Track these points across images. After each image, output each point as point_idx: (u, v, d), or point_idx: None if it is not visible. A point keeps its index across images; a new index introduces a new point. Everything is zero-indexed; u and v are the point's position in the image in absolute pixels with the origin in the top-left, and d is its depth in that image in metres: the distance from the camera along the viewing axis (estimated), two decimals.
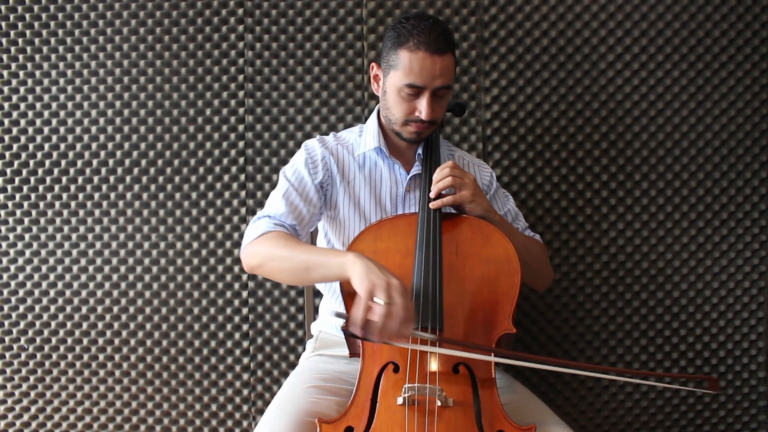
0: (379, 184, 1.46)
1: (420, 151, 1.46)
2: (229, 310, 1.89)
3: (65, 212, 1.87)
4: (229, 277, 1.88)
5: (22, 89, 1.85)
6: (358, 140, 1.50)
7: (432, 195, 1.34)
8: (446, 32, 1.34)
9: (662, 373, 1.25)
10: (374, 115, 1.50)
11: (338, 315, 1.13)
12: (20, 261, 1.87)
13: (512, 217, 1.55)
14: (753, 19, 1.89)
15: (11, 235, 1.87)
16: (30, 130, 1.86)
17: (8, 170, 1.86)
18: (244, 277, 1.88)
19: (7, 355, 1.88)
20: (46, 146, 1.86)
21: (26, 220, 1.87)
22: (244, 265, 1.38)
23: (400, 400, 1.11)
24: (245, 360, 1.90)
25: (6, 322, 1.88)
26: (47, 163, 1.86)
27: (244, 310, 1.89)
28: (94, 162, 1.86)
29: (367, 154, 1.47)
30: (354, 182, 1.46)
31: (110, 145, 1.86)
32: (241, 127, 1.87)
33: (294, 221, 1.38)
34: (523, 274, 1.29)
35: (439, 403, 1.10)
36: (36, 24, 1.84)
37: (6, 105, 1.85)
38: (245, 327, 1.89)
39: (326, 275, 1.24)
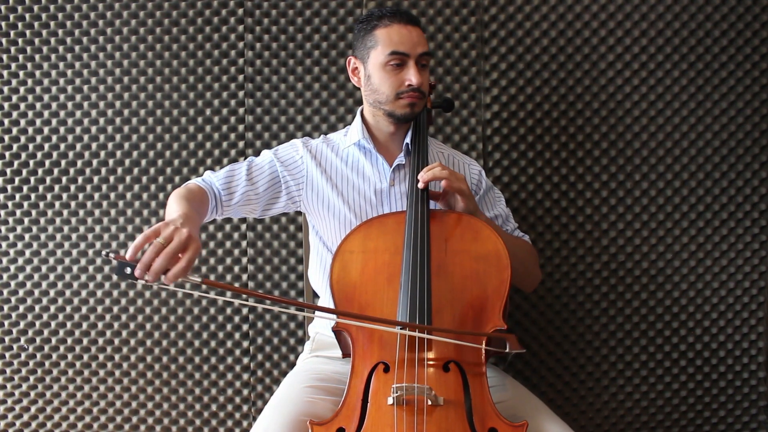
0: (363, 180, 1.47)
1: (408, 140, 1.47)
2: (229, 310, 1.89)
3: (65, 212, 1.87)
4: (229, 277, 1.88)
5: (22, 89, 1.85)
6: (343, 139, 1.53)
7: (420, 175, 1.33)
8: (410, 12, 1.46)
9: (459, 331, 1.23)
10: (357, 113, 1.54)
11: (109, 252, 1.07)
12: (20, 261, 1.87)
13: (503, 220, 1.55)
14: (753, 19, 1.88)
15: (11, 235, 1.87)
16: (30, 130, 1.86)
17: (8, 170, 1.86)
18: (244, 277, 1.88)
19: (7, 355, 1.88)
20: (46, 146, 1.86)
21: (26, 220, 1.87)
22: None
23: (390, 400, 1.10)
24: (245, 360, 1.90)
25: (6, 322, 1.88)
26: (47, 163, 1.86)
27: (244, 311, 1.89)
28: (94, 162, 1.86)
29: (351, 150, 1.50)
30: (338, 180, 1.47)
31: (110, 145, 1.86)
32: (241, 127, 1.87)
33: (222, 188, 1.41)
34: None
35: (429, 402, 1.09)
36: (36, 24, 1.84)
37: (6, 105, 1.85)
38: (245, 327, 1.89)
39: None
